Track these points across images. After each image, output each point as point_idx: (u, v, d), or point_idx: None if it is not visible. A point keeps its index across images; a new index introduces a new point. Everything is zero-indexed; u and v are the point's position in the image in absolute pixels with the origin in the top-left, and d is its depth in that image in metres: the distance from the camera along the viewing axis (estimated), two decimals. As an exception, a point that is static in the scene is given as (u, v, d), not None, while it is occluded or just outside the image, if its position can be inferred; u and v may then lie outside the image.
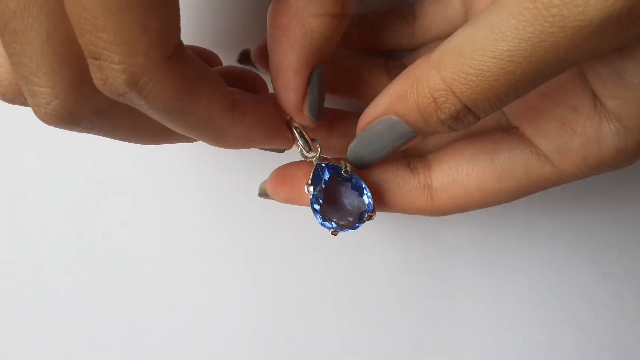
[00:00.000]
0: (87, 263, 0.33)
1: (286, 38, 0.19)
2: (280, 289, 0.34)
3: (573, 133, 0.20)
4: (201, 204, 0.33)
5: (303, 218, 0.32)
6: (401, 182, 0.22)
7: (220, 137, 0.20)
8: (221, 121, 0.19)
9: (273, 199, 0.24)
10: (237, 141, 0.20)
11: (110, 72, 0.15)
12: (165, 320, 0.34)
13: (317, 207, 0.21)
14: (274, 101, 0.21)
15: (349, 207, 0.22)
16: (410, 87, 0.18)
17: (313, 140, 0.22)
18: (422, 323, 0.34)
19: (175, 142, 0.22)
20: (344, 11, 0.19)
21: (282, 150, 0.23)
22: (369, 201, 0.21)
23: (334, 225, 0.21)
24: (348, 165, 0.22)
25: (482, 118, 0.18)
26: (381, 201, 0.22)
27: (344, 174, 0.22)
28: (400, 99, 0.19)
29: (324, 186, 0.21)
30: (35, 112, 0.17)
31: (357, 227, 0.22)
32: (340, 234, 0.22)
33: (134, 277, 0.33)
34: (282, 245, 0.33)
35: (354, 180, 0.22)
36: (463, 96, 0.17)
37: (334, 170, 0.22)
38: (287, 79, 0.20)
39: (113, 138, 0.19)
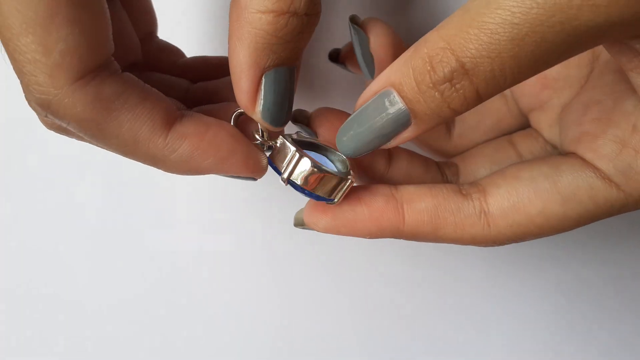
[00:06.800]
0: (104, 252, 0.33)
1: (235, 34, 0.17)
2: (291, 285, 0.34)
3: (636, 154, 0.19)
4: (222, 195, 0.33)
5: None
6: (454, 209, 0.20)
7: (158, 162, 0.18)
8: (150, 145, 0.18)
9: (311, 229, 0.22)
10: (178, 167, 0.19)
11: (28, 93, 0.16)
12: (181, 315, 0.34)
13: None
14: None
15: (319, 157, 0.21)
16: (410, 52, 0.17)
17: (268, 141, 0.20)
18: (431, 320, 0.35)
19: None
20: (294, 9, 0.17)
21: (253, 179, 0.21)
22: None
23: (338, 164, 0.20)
24: (263, 132, 0.20)
25: (482, 93, 0.16)
26: (432, 230, 0.20)
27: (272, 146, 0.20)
28: (398, 64, 0.17)
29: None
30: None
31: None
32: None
33: (145, 268, 0.33)
34: (292, 240, 0.33)
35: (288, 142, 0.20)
36: (460, 51, 0.15)
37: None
38: (236, 79, 0.18)
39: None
